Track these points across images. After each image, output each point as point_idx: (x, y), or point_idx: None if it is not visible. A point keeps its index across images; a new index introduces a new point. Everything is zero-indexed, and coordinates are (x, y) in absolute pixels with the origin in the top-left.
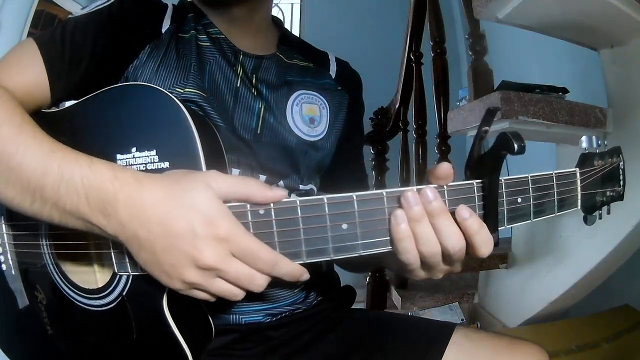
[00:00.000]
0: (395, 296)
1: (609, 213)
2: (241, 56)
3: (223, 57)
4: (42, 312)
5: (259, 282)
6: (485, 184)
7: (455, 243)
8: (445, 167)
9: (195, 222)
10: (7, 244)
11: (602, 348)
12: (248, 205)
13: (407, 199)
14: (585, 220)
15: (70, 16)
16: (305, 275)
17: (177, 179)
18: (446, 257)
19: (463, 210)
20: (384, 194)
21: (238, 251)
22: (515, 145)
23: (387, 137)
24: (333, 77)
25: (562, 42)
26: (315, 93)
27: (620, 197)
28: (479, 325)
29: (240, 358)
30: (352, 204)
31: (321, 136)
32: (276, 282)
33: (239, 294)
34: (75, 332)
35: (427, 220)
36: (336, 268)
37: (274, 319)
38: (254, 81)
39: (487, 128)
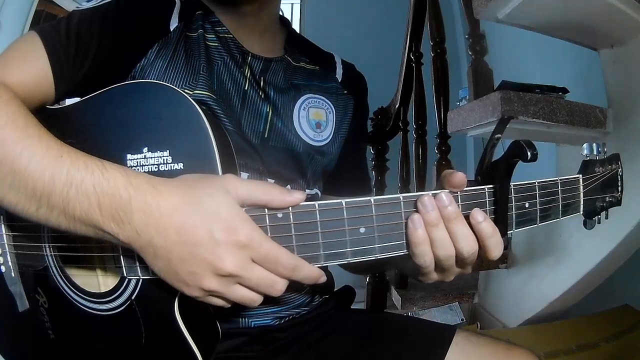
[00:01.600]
0: (395, 296)
1: (607, 218)
2: (249, 58)
3: (231, 58)
4: (43, 316)
5: (279, 287)
6: (496, 190)
7: (470, 246)
8: (460, 177)
9: (215, 229)
10: (6, 245)
11: (602, 348)
12: (266, 209)
13: (424, 203)
14: (585, 224)
15: (75, 9)
16: (323, 278)
17: (194, 184)
18: (459, 260)
19: (478, 214)
20: (401, 198)
21: (259, 257)
22: (529, 153)
23: (387, 137)
24: (339, 81)
25: (562, 42)
26: (322, 97)
27: (618, 202)
28: (479, 325)
29: None
30: (370, 208)
31: (327, 141)
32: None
33: (258, 300)
34: (79, 337)
35: (442, 225)
36: (336, 269)
37: (282, 321)
38: (261, 84)
39: (499, 135)
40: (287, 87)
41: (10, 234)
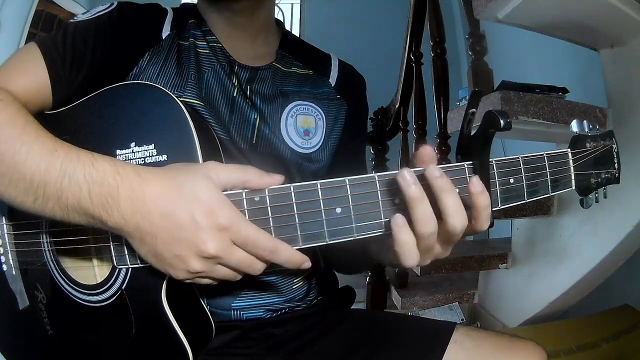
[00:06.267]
0: (395, 296)
1: (605, 197)
2: (236, 67)
3: (220, 66)
4: (42, 312)
5: (257, 267)
6: (476, 164)
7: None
8: (427, 149)
9: (196, 213)
10: (7, 244)
11: (602, 348)
12: (244, 193)
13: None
14: (581, 203)
15: (71, 20)
16: (307, 264)
17: (177, 172)
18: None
19: (476, 183)
20: (376, 177)
21: (239, 239)
22: (502, 121)
23: (387, 137)
24: (332, 85)
25: (562, 42)
26: (311, 104)
27: (616, 179)
28: (479, 325)
29: (243, 356)
30: (345, 188)
31: (316, 148)
32: (280, 270)
33: (239, 276)
34: (75, 331)
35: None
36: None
37: (274, 315)
38: (248, 93)
39: (474, 110)
40: (274, 95)
41: (11, 232)
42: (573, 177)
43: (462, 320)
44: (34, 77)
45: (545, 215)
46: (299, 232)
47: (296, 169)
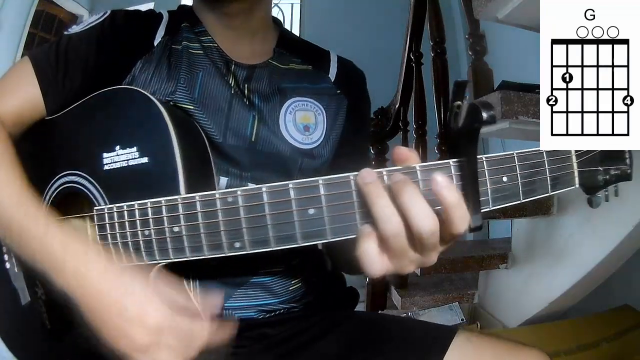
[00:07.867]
0: (395, 296)
1: (617, 195)
2: (233, 66)
3: (215, 67)
4: (41, 307)
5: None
6: (462, 161)
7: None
8: (402, 150)
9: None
10: None
11: (602, 348)
12: (217, 194)
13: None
14: (589, 202)
15: (65, 33)
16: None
17: (118, 276)
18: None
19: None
20: (351, 177)
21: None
22: (484, 114)
23: (387, 137)
24: (332, 80)
25: None
26: (310, 99)
27: (627, 176)
28: (479, 325)
29: (235, 356)
30: (318, 189)
31: (317, 143)
32: (275, 271)
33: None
34: (72, 326)
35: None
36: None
37: (267, 315)
38: (245, 92)
39: (459, 102)
40: (272, 92)
41: None
42: (577, 174)
43: (462, 320)
44: (26, 94)
45: (545, 215)
46: (270, 234)
47: (296, 166)
